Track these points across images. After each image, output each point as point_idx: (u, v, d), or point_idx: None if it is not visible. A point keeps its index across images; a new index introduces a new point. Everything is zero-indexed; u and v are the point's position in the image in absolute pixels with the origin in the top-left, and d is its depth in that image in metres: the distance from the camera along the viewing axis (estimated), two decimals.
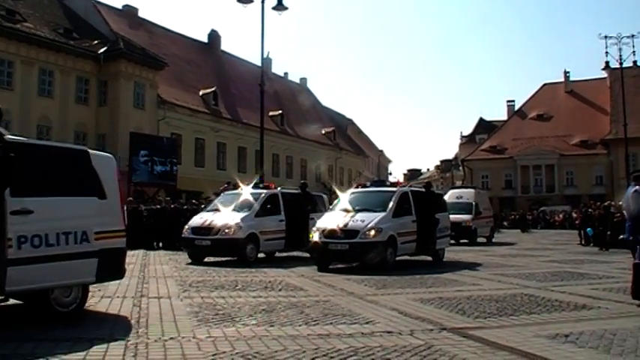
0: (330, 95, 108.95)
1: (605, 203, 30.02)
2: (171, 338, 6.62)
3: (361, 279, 12.98)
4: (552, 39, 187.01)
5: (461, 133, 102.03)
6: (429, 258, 17.75)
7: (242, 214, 17.84)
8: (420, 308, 8.93)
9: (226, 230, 17.24)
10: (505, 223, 53.55)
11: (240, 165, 54.47)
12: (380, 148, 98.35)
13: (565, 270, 15.46)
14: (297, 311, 8.54)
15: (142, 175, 40.83)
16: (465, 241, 28.70)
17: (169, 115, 47.15)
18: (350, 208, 16.30)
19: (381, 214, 15.50)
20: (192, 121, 49.81)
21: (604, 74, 71.01)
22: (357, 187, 19.25)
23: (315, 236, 15.54)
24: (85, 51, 42.76)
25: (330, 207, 18.35)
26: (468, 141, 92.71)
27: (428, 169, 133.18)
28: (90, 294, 8.49)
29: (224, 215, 17.96)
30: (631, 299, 9.42)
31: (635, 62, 58.79)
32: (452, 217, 27.26)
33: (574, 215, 44.02)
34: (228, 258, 17.46)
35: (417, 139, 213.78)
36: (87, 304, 8.39)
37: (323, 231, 15.38)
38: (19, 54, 38.73)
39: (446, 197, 30.92)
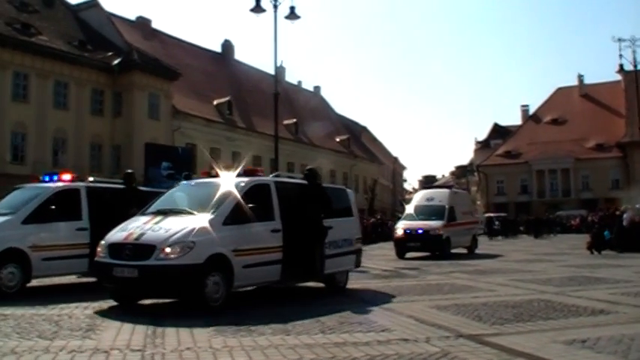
0: (343, 103, 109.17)
1: (622, 207, 29.75)
2: (187, 348, 6.64)
3: (377, 286, 13.03)
4: (566, 43, 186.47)
5: (475, 138, 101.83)
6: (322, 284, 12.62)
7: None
8: (437, 315, 8.90)
9: None
10: (521, 229, 53.12)
11: None
12: (394, 154, 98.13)
13: (582, 274, 15.33)
14: (313, 320, 8.53)
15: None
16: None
17: (184, 125, 47.34)
18: (165, 208, 10.74)
19: (204, 218, 9.90)
20: (207, 130, 49.99)
21: (618, 77, 70.70)
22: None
23: (99, 254, 10.06)
24: (100, 62, 43.13)
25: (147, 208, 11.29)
26: (482, 146, 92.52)
27: (443, 175, 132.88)
28: (106, 304, 8.50)
29: None
30: None
31: None
32: (419, 223, 24.15)
33: (590, 219, 43.61)
34: None
35: (431, 146, 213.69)
36: (103, 314, 8.42)
37: (109, 246, 9.92)
38: (34, 67, 39.08)
39: (414, 199, 27.54)
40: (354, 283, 13.80)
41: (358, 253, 13.24)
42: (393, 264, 20.08)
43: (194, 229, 9.55)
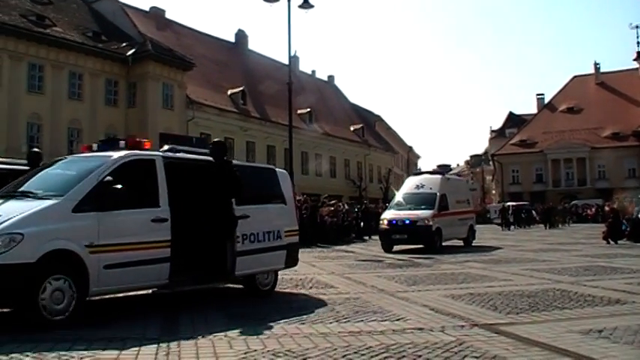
0: (357, 92, 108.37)
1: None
2: (202, 337, 6.66)
3: (392, 275, 13.02)
4: (582, 30, 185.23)
5: (490, 127, 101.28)
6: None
7: None
8: (451, 304, 8.88)
9: None
10: (537, 218, 52.76)
11: (269, 163, 54.57)
12: (409, 144, 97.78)
13: (598, 264, 15.23)
14: (328, 309, 8.54)
15: None
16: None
17: (198, 116, 47.37)
18: (15, 190, 8.22)
19: (46, 203, 7.46)
20: (220, 120, 49.97)
21: (635, 65, 70.20)
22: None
23: None
24: (114, 53, 43.18)
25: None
26: (497, 135, 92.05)
27: (458, 165, 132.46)
28: (121, 293, 8.49)
29: None
30: None
31: None
32: (406, 213, 21.76)
33: (606, 209, 43.35)
34: None
35: (446, 135, 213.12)
36: (119, 303, 8.46)
37: None
38: (48, 58, 39.22)
39: (403, 187, 25.05)
40: (367, 272, 13.83)
41: (290, 248, 10.54)
42: (408, 254, 20.03)
43: (26, 216, 7.10)
